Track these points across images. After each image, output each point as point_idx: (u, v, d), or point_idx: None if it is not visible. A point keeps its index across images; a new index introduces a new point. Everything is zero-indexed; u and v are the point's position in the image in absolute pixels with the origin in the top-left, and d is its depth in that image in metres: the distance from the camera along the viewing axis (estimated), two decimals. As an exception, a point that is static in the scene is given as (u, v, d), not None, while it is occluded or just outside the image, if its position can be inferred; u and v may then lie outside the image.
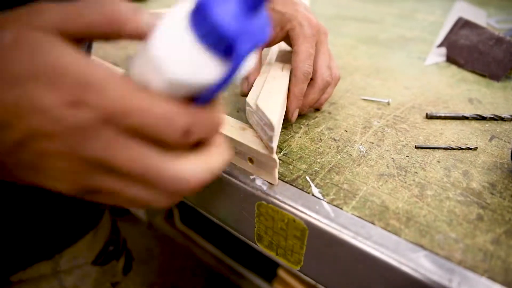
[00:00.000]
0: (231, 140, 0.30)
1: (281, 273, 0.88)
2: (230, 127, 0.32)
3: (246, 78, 0.38)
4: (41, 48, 0.16)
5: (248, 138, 0.30)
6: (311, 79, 0.37)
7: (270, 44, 0.40)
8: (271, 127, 0.28)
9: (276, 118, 0.29)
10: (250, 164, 0.31)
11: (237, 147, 0.31)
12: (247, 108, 0.33)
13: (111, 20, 0.18)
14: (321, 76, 0.37)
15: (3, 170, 0.18)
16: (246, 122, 0.34)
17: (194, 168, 0.18)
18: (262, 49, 0.39)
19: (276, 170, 0.29)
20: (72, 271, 0.43)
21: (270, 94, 0.33)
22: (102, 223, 0.47)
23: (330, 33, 0.41)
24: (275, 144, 0.28)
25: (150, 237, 1.21)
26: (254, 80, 0.37)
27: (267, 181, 0.31)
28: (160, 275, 1.10)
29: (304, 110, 0.38)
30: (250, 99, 0.33)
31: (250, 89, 0.35)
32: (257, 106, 0.31)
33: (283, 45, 0.45)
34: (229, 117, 0.34)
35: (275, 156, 0.28)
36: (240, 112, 0.41)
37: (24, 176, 0.18)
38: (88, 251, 0.45)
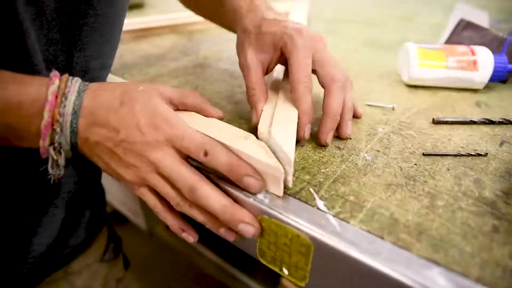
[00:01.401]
0: (233, 150, 0.29)
1: (284, 281, 0.86)
2: (232, 136, 0.30)
3: (254, 107, 0.36)
4: (154, 100, 0.30)
5: (251, 148, 0.28)
6: (325, 86, 0.35)
7: (269, 69, 0.38)
8: (288, 161, 0.28)
9: (292, 150, 0.29)
10: None
11: (239, 157, 0.29)
12: (260, 136, 0.32)
13: (201, 109, 0.34)
14: (333, 78, 0.34)
15: (92, 153, 0.30)
16: (248, 130, 0.32)
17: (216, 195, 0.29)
18: (264, 75, 0.37)
19: (282, 181, 0.28)
20: (83, 271, 0.45)
21: (283, 121, 0.32)
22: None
23: (331, 37, 0.40)
24: (290, 178, 0.29)
25: (150, 246, 1.20)
26: (262, 108, 0.35)
27: (271, 193, 0.29)
28: (160, 284, 1.09)
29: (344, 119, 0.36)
30: (262, 126, 0.32)
31: (260, 117, 0.34)
32: (270, 134, 0.30)
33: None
34: (231, 126, 0.32)
35: (280, 167, 0.27)
36: (241, 120, 0.40)
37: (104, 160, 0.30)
38: (96, 250, 0.48)
